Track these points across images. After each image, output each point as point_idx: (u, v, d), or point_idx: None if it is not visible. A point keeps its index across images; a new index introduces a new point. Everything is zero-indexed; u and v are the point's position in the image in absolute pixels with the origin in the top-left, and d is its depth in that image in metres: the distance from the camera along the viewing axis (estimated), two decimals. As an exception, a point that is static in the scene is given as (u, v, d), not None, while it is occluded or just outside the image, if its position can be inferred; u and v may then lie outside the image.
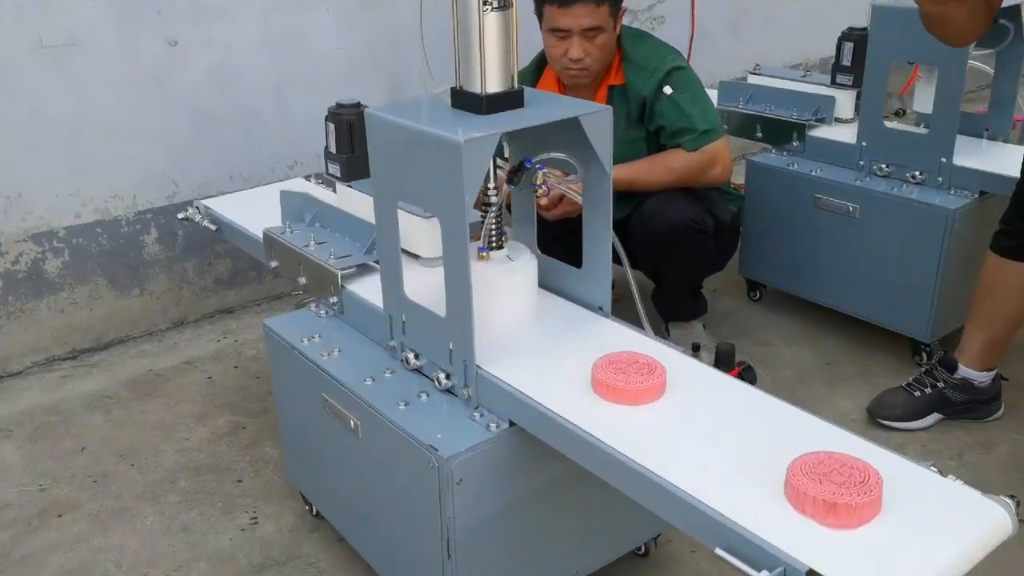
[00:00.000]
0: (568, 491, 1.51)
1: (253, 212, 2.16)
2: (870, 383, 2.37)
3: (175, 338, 2.75)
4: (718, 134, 2.30)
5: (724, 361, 1.45)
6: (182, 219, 2.22)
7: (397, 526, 1.56)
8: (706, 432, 1.25)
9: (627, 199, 2.28)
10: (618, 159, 1.51)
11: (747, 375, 1.48)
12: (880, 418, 2.20)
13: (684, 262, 2.33)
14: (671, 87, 2.28)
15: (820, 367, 2.48)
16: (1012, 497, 1.10)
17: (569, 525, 1.55)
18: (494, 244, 1.60)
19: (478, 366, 1.45)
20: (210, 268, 2.83)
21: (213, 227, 2.18)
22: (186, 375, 2.54)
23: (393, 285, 1.55)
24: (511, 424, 1.41)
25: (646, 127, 2.34)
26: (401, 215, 1.51)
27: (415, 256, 1.76)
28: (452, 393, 1.49)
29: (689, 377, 1.38)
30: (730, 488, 1.13)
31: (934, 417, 2.20)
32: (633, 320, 1.62)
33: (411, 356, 1.56)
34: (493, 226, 1.58)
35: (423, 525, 1.45)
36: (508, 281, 1.56)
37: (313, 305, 1.84)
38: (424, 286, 1.55)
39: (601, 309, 1.60)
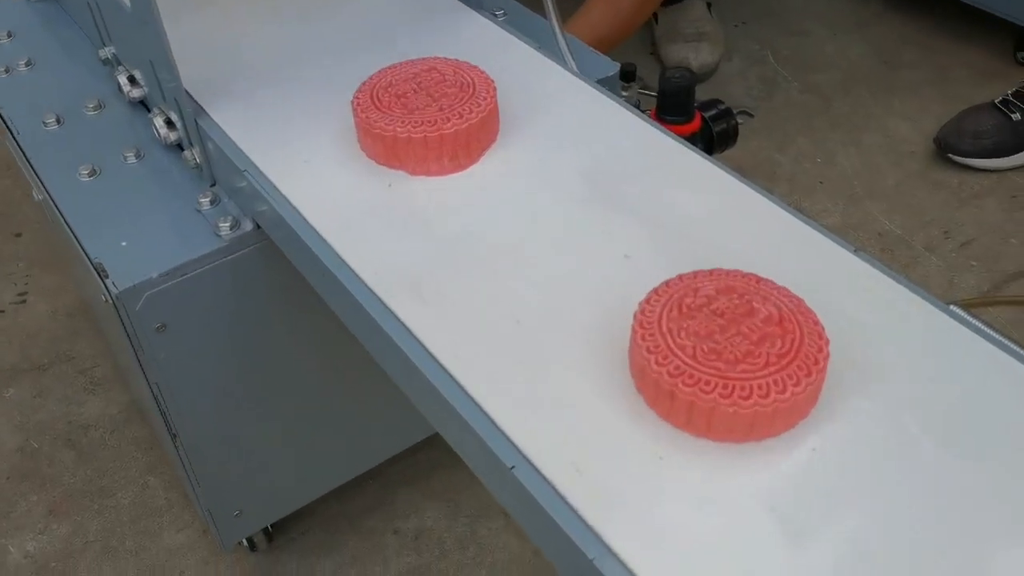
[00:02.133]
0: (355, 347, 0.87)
1: None
2: (944, 95, 1.62)
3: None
4: None
5: (671, 106, 0.73)
6: None
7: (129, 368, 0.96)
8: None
9: None
10: None
11: (719, 128, 0.77)
12: (953, 152, 1.48)
13: None
14: None
15: (873, 68, 1.72)
16: None
17: (362, 395, 0.93)
18: None
19: (199, 106, 0.76)
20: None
21: None
22: None
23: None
24: (257, 227, 0.75)
25: None
26: None
27: None
28: (183, 150, 0.82)
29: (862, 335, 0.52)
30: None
31: (1035, 151, 1.48)
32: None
33: (125, 79, 0.86)
34: None
35: (142, 384, 0.85)
36: None
37: (27, -24, 1.10)
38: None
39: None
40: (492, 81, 0.67)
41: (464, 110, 0.64)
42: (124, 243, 0.74)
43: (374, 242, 0.61)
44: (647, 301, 0.50)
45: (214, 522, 0.92)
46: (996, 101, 1.49)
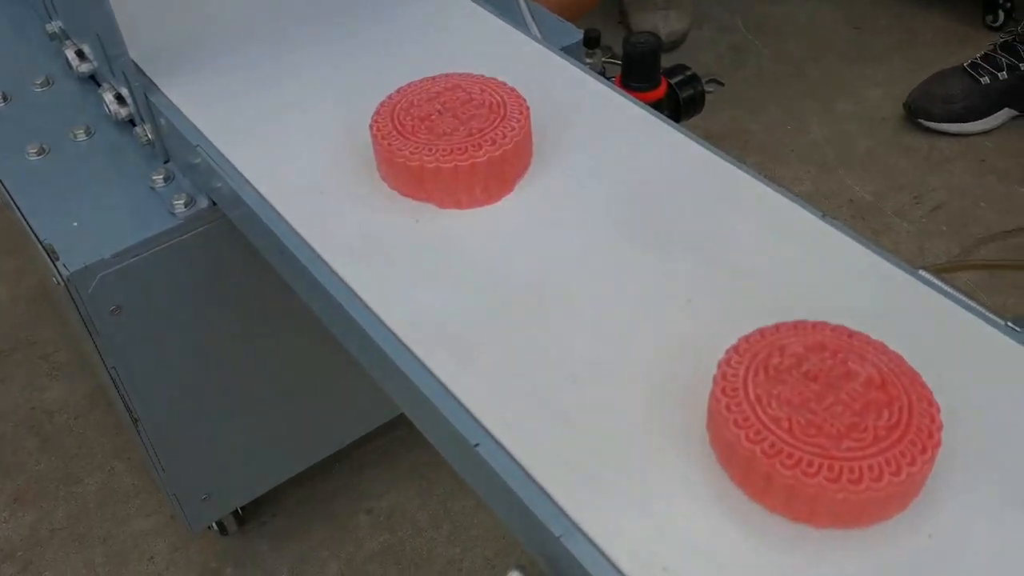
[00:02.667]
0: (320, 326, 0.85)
1: None
2: (914, 61, 1.62)
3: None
4: None
5: (636, 72, 0.72)
6: None
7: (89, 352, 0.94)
8: None
9: None
10: None
11: (685, 95, 0.76)
12: (924, 117, 1.48)
13: None
14: None
15: (844, 35, 1.71)
16: None
17: (328, 376, 0.92)
18: None
19: (151, 81, 0.73)
20: None
21: None
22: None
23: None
24: (213, 204, 0.73)
25: None
26: None
27: None
28: (134, 126, 0.79)
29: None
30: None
31: (1005, 114, 1.48)
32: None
33: (73, 54, 0.84)
34: None
35: (101, 368, 0.83)
36: None
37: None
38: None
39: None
40: (524, 101, 0.60)
41: (496, 135, 0.57)
42: (75, 223, 0.72)
43: (403, 286, 0.54)
44: (727, 363, 0.44)
45: (181, 506, 0.90)
46: (965, 65, 1.48)
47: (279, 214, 0.61)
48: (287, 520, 1.04)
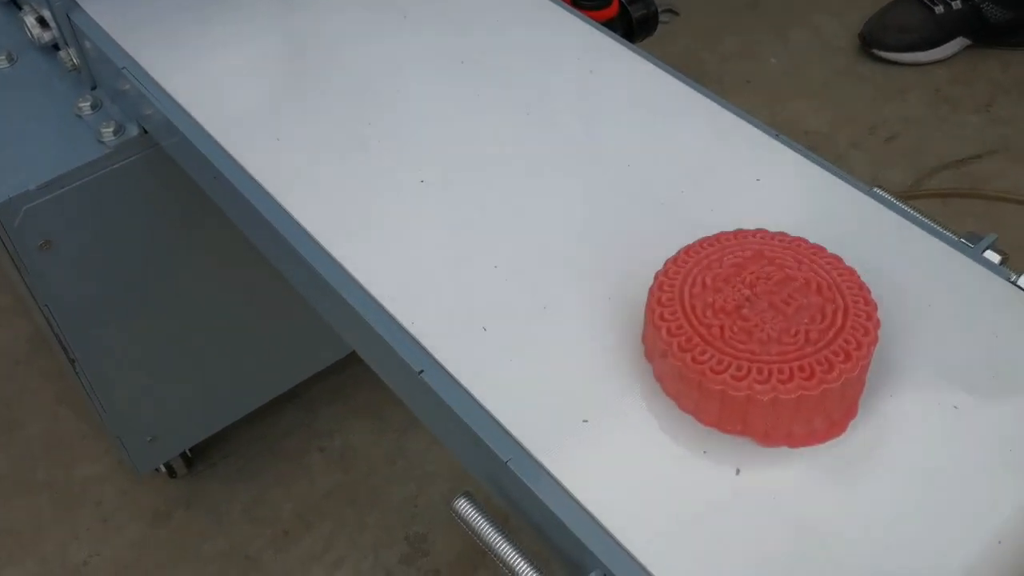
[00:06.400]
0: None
1: None
2: (870, -11, 1.60)
3: None
4: None
5: (586, -11, 0.69)
6: None
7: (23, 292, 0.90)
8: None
9: None
10: None
11: (638, 14, 0.73)
12: (878, 47, 1.47)
13: None
14: None
15: (799, -37, 1.68)
16: None
17: (274, 312, 0.89)
18: None
19: (74, 0, 0.69)
20: None
21: None
22: None
23: None
24: (144, 132, 0.69)
25: None
26: None
27: None
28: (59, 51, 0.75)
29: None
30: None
31: (958, 43, 1.47)
32: None
33: (-9, -27, 0.79)
34: None
35: (34, 307, 0.79)
36: None
37: None
38: None
39: None
40: (858, 277, 0.42)
41: (847, 343, 0.39)
42: (-3, 153, 0.68)
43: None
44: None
45: (126, 449, 0.88)
46: (920, -7, 1.47)
47: (216, 142, 0.58)
48: (238, 461, 1.02)
